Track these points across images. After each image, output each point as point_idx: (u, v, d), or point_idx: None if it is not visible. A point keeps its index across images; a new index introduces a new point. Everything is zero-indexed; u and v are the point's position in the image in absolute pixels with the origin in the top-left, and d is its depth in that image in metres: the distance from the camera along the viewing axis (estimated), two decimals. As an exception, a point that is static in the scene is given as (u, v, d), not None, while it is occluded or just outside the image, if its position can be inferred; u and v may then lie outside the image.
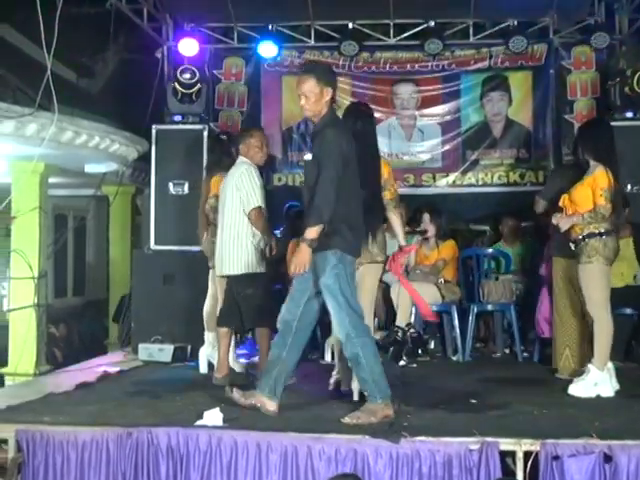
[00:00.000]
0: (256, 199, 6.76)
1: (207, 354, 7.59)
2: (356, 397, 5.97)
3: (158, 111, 9.66)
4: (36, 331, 9.48)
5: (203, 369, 7.58)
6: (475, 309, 8.39)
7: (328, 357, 8.02)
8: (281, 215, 9.43)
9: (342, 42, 10.27)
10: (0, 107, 8.45)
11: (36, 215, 9.61)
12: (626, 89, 9.03)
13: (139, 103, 10.03)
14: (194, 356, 7.93)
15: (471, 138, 10.68)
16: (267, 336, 6.69)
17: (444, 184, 10.70)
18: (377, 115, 9.22)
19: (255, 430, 5.04)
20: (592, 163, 6.43)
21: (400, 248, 6.38)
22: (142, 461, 5.03)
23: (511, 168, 10.58)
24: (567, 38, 10.28)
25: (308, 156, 5.55)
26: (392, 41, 10.45)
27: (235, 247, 6.78)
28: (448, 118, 10.73)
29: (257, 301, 6.74)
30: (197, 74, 9.38)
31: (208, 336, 7.62)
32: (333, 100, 5.54)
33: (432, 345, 8.79)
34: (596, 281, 6.32)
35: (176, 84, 9.35)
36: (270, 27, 10.36)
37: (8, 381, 9.36)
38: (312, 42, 10.50)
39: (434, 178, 10.72)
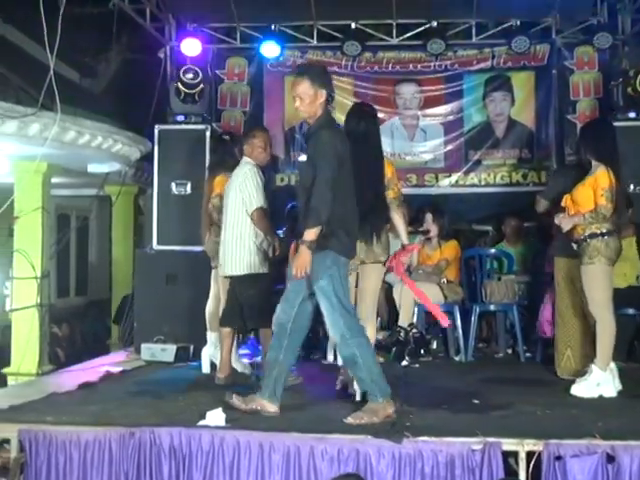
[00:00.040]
0: (258, 200, 6.77)
1: (210, 354, 7.59)
2: (359, 397, 5.96)
3: (161, 111, 9.67)
4: (39, 331, 9.49)
5: (205, 369, 7.58)
6: (477, 309, 8.39)
7: (330, 357, 8.02)
8: (283, 215, 9.43)
9: (345, 42, 10.27)
10: (3, 107, 8.46)
11: (39, 215, 9.62)
12: (629, 89, 9.02)
13: (142, 103, 10.03)
14: (197, 356, 7.93)
15: (474, 138, 10.68)
16: (270, 336, 6.68)
17: (447, 184, 10.70)
18: (380, 115, 9.20)
19: (257, 430, 5.05)
20: (594, 163, 6.42)
21: (403, 247, 6.38)
22: (145, 461, 5.03)
23: (514, 168, 10.58)
24: (570, 38, 10.27)
25: (303, 157, 5.58)
26: (395, 41, 10.45)
27: (238, 247, 6.79)
28: (451, 118, 10.73)
29: (259, 301, 6.74)
30: (200, 74, 9.38)
31: (210, 336, 7.62)
32: (328, 101, 5.56)
33: (434, 345, 8.79)
34: (598, 281, 6.32)
35: (179, 84, 9.35)
36: (273, 27, 10.36)
37: (11, 381, 9.36)
38: (315, 42, 10.50)
39: (437, 178, 10.72)
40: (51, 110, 8.35)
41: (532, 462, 4.75)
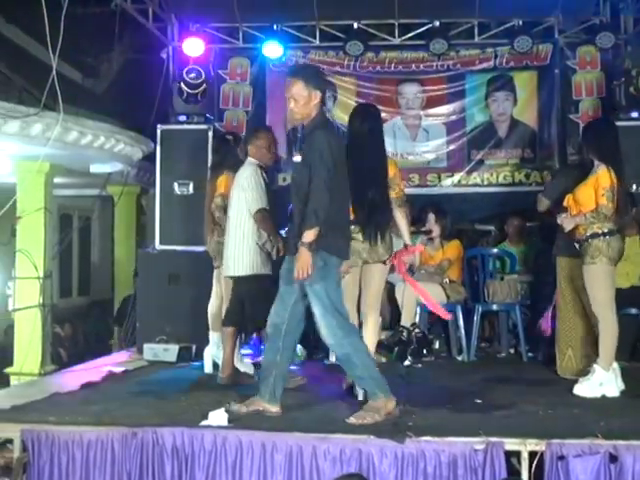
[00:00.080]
0: (261, 201, 6.77)
1: (212, 354, 7.59)
2: (361, 397, 5.97)
3: (163, 111, 9.67)
4: (41, 331, 9.50)
5: (208, 369, 7.58)
6: (480, 309, 8.38)
7: (333, 357, 8.00)
8: (286, 215, 9.43)
9: (347, 42, 10.26)
10: (5, 107, 8.47)
11: (41, 215, 9.63)
12: (631, 89, 9.01)
13: (144, 103, 10.04)
14: (199, 356, 7.93)
15: (476, 138, 10.68)
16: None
17: (449, 184, 10.70)
18: (382, 115, 9.22)
19: (260, 430, 5.05)
20: (596, 163, 6.42)
21: (405, 246, 6.38)
22: (147, 461, 5.04)
23: (516, 168, 10.58)
24: (572, 38, 10.27)
25: (297, 157, 5.58)
26: (397, 41, 10.45)
27: (241, 248, 6.79)
28: (453, 118, 10.73)
29: (262, 302, 6.73)
30: (203, 74, 9.38)
31: (213, 336, 7.62)
32: (323, 102, 5.56)
33: (437, 345, 8.79)
34: (600, 281, 6.32)
35: (182, 84, 9.35)
36: (275, 27, 10.36)
37: (13, 381, 9.38)
38: (317, 42, 10.50)
39: (439, 178, 10.72)
40: (53, 110, 8.36)
41: (535, 462, 4.75)
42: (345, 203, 5.58)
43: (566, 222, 6.47)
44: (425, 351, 8.13)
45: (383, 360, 7.66)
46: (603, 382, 6.24)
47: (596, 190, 6.30)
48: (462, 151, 10.70)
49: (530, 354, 8.32)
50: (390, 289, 8.25)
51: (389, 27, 10.43)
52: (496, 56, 10.49)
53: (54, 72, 7.11)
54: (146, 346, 8.42)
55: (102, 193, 11.67)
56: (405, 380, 6.97)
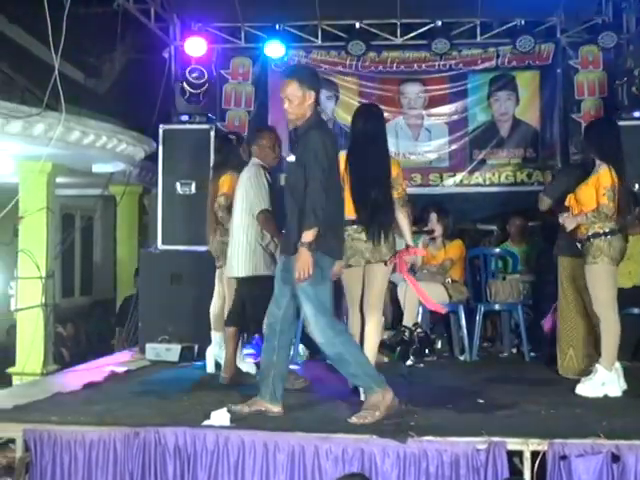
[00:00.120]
0: (264, 202, 6.76)
1: (214, 354, 7.59)
2: (363, 397, 5.96)
3: (165, 111, 9.67)
4: (43, 331, 9.51)
5: (210, 369, 7.58)
6: (482, 309, 8.38)
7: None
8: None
9: (349, 42, 10.27)
10: (8, 107, 8.47)
11: (43, 215, 9.64)
12: (633, 88, 9.00)
13: (146, 103, 10.04)
14: (201, 356, 7.93)
15: (478, 138, 10.67)
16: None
17: (451, 184, 10.70)
18: (384, 115, 9.23)
19: (262, 430, 5.05)
20: (597, 162, 6.42)
21: (406, 247, 6.38)
22: (149, 461, 5.04)
23: (518, 168, 10.57)
24: (574, 37, 10.27)
25: (291, 157, 5.58)
26: (399, 41, 10.45)
27: (244, 249, 6.78)
28: (455, 118, 10.72)
29: (264, 303, 6.72)
30: (205, 74, 9.39)
31: (215, 336, 7.63)
32: (317, 103, 5.57)
33: (439, 345, 8.78)
34: (602, 281, 6.31)
35: (184, 84, 9.35)
36: (277, 27, 10.36)
37: (16, 380, 9.38)
38: (319, 42, 10.50)
39: (441, 178, 10.71)
40: (56, 110, 8.38)
41: (537, 462, 4.75)
42: (339, 203, 5.60)
43: (568, 222, 6.47)
44: (427, 351, 8.13)
45: (385, 360, 7.66)
46: (605, 382, 6.23)
47: (597, 190, 6.30)
48: (464, 151, 10.70)
49: (532, 354, 8.32)
50: (392, 289, 8.25)
51: (391, 27, 10.44)
52: (498, 56, 10.48)
53: (56, 72, 7.11)
54: (148, 346, 8.42)
55: (104, 193, 11.68)
56: (407, 380, 6.97)
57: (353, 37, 10.30)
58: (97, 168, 10.70)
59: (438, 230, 8.78)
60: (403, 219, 6.34)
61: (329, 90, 10.74)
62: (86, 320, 13.63)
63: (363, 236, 6.12)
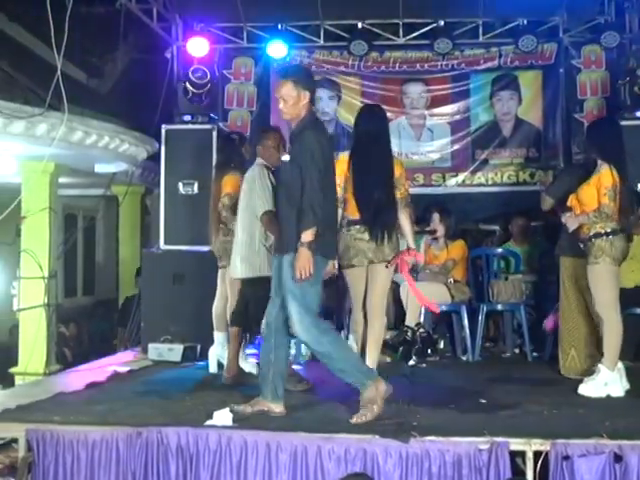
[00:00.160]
0: (267, 203, 6.75)
1: (217, 354, 7.59)
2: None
3: (168, 111, 9.68)
4: (46, 331, 9.52)
5: (213, 369, 7.58)
6: (485, 309, 8.38)
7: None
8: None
9: (351, 42, 10.27)
10: (10, 107, 8.48)
11: (46, 215, 9.65)
12: (636, 88, 9.01)
13: (149, 103, 10.05)
14: (204, 356, 7.94)
15: (481, 137, 10.67)
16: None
17: (453, 184, 10.69)
18: (387, 115, 9.25)
19: (265, 430, 5.05)
20: (599, 162, 6.41)
21: (408, 248, 6.36)
22: (152, 460, 5.04)
23: (521, 167, 10.57)
24: (577, 37, 10.26)
25: (286, 157, 5.59)
26: (401, 41, 10.44)
27: (248, 250, 6.77)
28: (457, 117, 10.72)
29: (268, 304, 6.74)
30: (208, 74, 9.40)
31: (218, 336, 7.62)
32: (312, 102, 5.59)
33: (442, 345, 8.77)
34: (604, 282, 6.31)
35: (187, 84, 9.36)
36: (279, 27, 10.35)
37: (18, 380, 9.39)
38: (321, 42, 10.50)
39: (444, 178, 10.71)
40: (58, 110, 8.38)
41: (539, 462, 4.74)
42: (333, 202, 5.60)
43: (570, 221, 6.47)
44: (430, 351, 8.08)
45: (388, 360, 7.65)
46: (608, 382, 6.23)
47: (598, 189, 6.30)
48: (466, 151, 10.69)
49: (535, 354, 8.32)
50: (395, 289, 8.25)
51: (393, 27, 10.43)
52: (501, 55, 10.48)
53: (59, 72, 7.13)
54: (151, 346, 8.43)
55: (107, 193, 11.68)
56: (409, 380, 6.94)
57: (355, 37, 10.30)
58: (99, 168, 10.71)
59: (440, 230, 8.78)
60: (405, 220, 6.34)
61: (331, 90, 10.75)
62: (89, 320, 13.64)
63: (366, 236, 6.12)
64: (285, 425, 5.19)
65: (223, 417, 5.24)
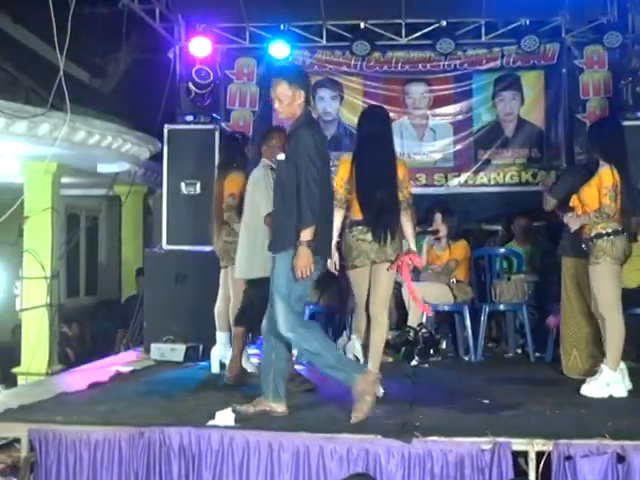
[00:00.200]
0: (271, 203, 6.74)
1: (219, 354, 7.59)
2: (380, 394, 5.97)
3: (170, 111, 9.68)
4: (49, 331, 9.53)
5: (215, 369, 7.58)
6: (487, 309, 8.38)
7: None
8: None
9: (354, 42, 10.27)
10: (13, 107, 8.49)
11: (48, 215, 9.66)
12: (638, 88, 9.00)
13: (151, 103, 10.05)
14: (206, 356, 7.94)
15: (483, 138, 10.67)
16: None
17: (456, 184, 10.69)
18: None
19: (267, 430, 5.05)
20: (600, 162, 6.41)
21: (408, 250, 6.35)
22: (154, 460, 5.04)
23: (523, 168, 10.57)
24: (579, 37, 10.25)
25: (281, 156, 5.61)
26: (404, 41, 10.44)
27: (254, 250, 6.77)
28: (460, 118, 10.72)
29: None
30: (211, 74, 9.41)
31: (220, 336, 7.63)
32: (307, 102, 5.61)
33: (444, 345, 8.78)
34: (606, 282, 6.30)
35: (190, 84, 9.37)
36: (282, 27, 10.35)
37: (21, 380, 9.40)
38: (324, 42, 10.50)
39: (446, 178, 10.71)
40: (61, 110, 8.39)
41: (542, 462, 4.74)
42: (327, 201, 5.61)
43: (572, 222, 6.47)
44: (432, 351, 8.13)
45: (390, 360, 7.66)
46: (610, 382, 6.22)
47: (599, 190, 6.30)
48: (469, 151, 10.69)
49: (537, 354, 8.31)
50: (397, 289, 8.25)
51: (396, 27, 10.43)
52: (503, 55, 10.48)
53: (61, 72, 7.14)
54: (153, 346, 8.43)
55: (109, 193, 11.71)
56: (412, 380, 6.97)
57: (358, 37, 10.30)
58: (102, 168, 10.72)
59: (443, 230, 8.78)
60: (407, 222, 6.34)
61: (334, 90, 10.77)
62: (91, 320, 13.62)
63: (369, 237, 6.13)
64: (287, 425, 5.19)
65: (225, 417, 5.24)
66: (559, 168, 10.23)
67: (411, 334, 7.97)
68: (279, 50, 10.32)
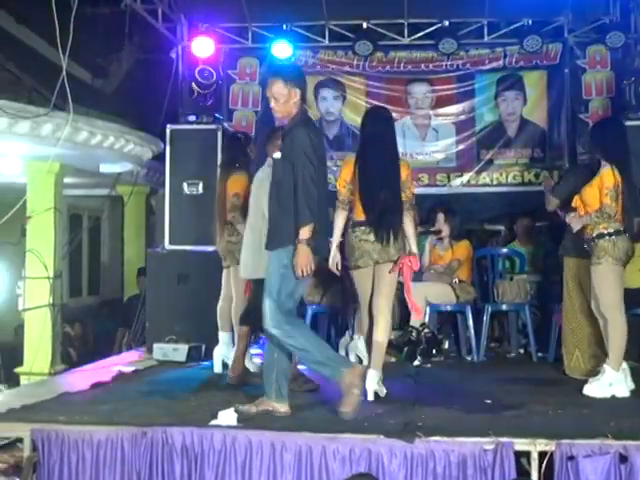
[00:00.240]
0: None
1: (221, 354, 7.59)
2: (371, 397, 5.97)
3: (172, 111, 9.68)
4: (51, 330, 9.53)
5: (217, 369, 7.58)
6: (489, 309, 8.37)
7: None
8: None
9: (356, 42, 10.27)
10: (15, 107, 8.49)
11: (51, 215, 9.66)
12: (641, 88, 9.01)
13: (153, 103, 10.06)
14: (208, 356, 7.94)
15: (485, 138, 10.67)
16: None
17: (458, 184, 10.69)
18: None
19: (269, 430, 5.05)
20: (602, 162, 6.41)
21: (409, 252, 6.33)
22: (157, 460, 5.04)
23: (526, 168, 10.56)
24: (582, 37, 10.24)
25: (277, 154, 5.62)
26: (406, 41, 10.43)
27: (257, 250, 6.76)
28: (462, 118, 10.72)
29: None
30: (214, 74, 9.42)
31: (222, 336, 7.63)
32: (303, 100, 5.64)
33: (446, 345, 8.77)
34: (608, 282, 6.30)
35: (193, 84, 9.38)
36: (284, 27, 10.35)
37: (23, 380, 9.40)
38: (326, 42, 10.50)
39: (448, 178, 10.71)
40: (63, 110, 8.39)
41: (544, 462, 4.74)
42: (323, 200, 5.61)
43: (574, 222, 6.47)
44: (434, 351, 8.13)
45: (393, 360, 7.66)
46: (613, 382, 6.22)
47: (600, 190, 6.30)
48: (471, 151, 10.69)
49: (539, 354, 8.31)
50: (400, 289, 8.25)
51: (398, 27, 10.42)
52: (505, 55, 10.47)
53: (64, 72, 7.14)
54: (156, 346, 8.44)
55: (112, 193, 11.70)
56: (414, 380, 6.97)
57: (360, 37, 10.30)
58: (105, 168, 10.71)
59: (445, 230, 8.78)
60: (409, 223, 6.34)
61: (336, 90, 10.77)
62: (94, 320, 13.63)
63: (371, 237, 6.13)
64: (290, 425, 5.19)
65: (228, 417, 5.25)
66: (561, 168, 10.24)
67: (414, 334, 7.96)
68: (282, 50, 10.32)
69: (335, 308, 8.36)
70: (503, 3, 9.72)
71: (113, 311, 13.78)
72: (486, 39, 10.34)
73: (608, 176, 6.28)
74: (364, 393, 5.95)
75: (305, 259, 5.31)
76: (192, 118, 9.51)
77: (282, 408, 5.55)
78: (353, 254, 6.23)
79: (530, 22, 10.11)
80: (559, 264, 7.32)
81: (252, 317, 6.89)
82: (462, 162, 10.71)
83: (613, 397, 6.17)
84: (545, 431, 4.98)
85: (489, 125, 10.68)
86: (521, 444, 4.80)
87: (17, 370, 9.68)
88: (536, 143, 10.57)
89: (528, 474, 4.78)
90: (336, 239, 6.31)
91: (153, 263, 9.27)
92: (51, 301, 9.50)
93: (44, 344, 9.47)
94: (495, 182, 10.61)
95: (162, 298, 8.88)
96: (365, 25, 10.36)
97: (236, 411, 5.35)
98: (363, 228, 6.15)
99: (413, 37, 10.41)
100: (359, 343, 7.49)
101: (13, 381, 9.45)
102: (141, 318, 9.51)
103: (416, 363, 7.86)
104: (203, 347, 8.35)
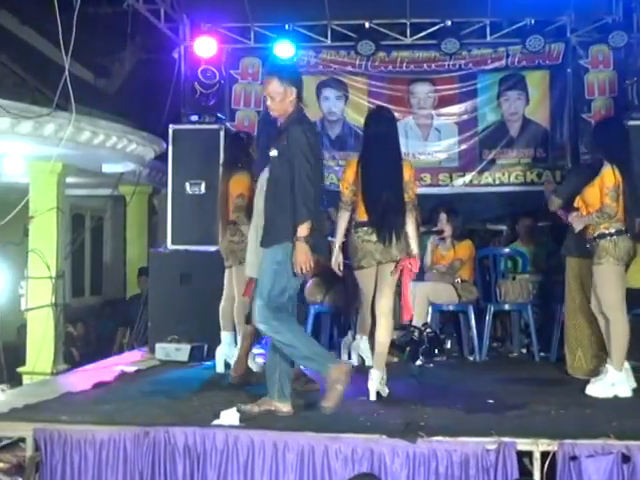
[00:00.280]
0: None
1: (224, 354, 7.59)
2: (373, 397, 5.97)
3: (175, 111, 9.69)
4: (54, 330, 9.54)
5: (220, 369, 7.59)
6: (492, 309, 8.38)
7: (344, 357, 8.01)
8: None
9: (359, 42, 10.25)
10: (18, 107, 8.50)
11: (54, 215, 9.67)
12: (643, 88, 9.00)
13: (156, 103, 10.07)
14: (211, 356, 7.94)
15: (488, 137, 10.65)
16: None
17: (461, 184, 10.68)
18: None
19: (272, 430, 5.05)
20: (604, 162, 6.40)
21: (409, 254, 6.32)
22: (159, 460, 5.04)
23: (528, 167, 10.55)
24: (584, 37, 10.22)
25: (274, 152, 5.62)
26: (409, 40, 10.42)
27: (261, 249, 6.75)
28: (465, 117, 10.71)
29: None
30: (217, 74, 9.42)
31: (225, 336, 7.63)
32: (299, 99, 5.65)
33: (449, 345, 8.78)
34: (609, 282, 6.30)
35: (196, 84, 9.38)
36: (287, 27, 10.34)
37: (26, 380, 9.41)
38: (329, 42, 10.48)
39: (451, 178, 10.70)
40: (66, 110, 8.40)
41: (547, 462, 4.74)
42: (318, 198, 5.62)
43: (576, 222, 6.47)
44: (437, 351, 8.11)
45: (395, 360, 7.65)
46: (615, 382, 6.22)
47: (601, 190, 6.30)
48: (474, 150, 10.68)
49: (542, 354, 8.31)
50: (398, 284, 8.24)
51: (400, 27, 10.41)
52: (508, 55, 10.46)
53: (67, 72, 7.14)
54: (158, 346, 8.44)
55: (114, 193, 11.70)
56: (417, 380, 6.97)
57: (362, 37, 10.28)
58: (107, 168, 10.71)
59: (447, 230, 8.78)
60: (410, 224, 6.34)
61: (338, 90, 10.77)
62: (96, 320, 13.64)
63: (374, 237, 6.13)
64: (292, 425, 5.19)
65: (230, 417, 5.25)
66: (564, 168, 10.23)
67: (416, 334, 7.95)
68: (284, 50, 10.31)
69: (337, 308, 8.36)
70: (505, 3, 9.72)
71: (115, 311, 13.79)
72: (488, 39, 10.32)
73: (609, 176, 6.27)
74: (366, 393, 5.98)
75: (304, 256, 5.33)
76: (194, 118, 9.51)
77: (284, 408, 5.56)
78: (356, 254, 6.23)
79: (532, 22, 10.10)
80: (561, 264, 7.32)
81: None
82: (464, 162, 10.70)
83: (616, 397, 6.17)
84: (548, 431, 4.98)
85: (491, 125, 10.67)
86: (524, 444, 4.80)
87: (20, 370, 9.69)
88: (538, 143, 10.56)
89: (530, 474, 4.78)
90: (339, 239, 6.33)
91: (155, 263, 9.28)
92: (53, 301, 9.51)
93: (46, 344, 9.47)
94: (497, 182, 10.60)
95: (164, 298, 8.89)
96: (367, 25, 10.34)
97: (238, 411, 5.35)
98: (366, 228, 6.15)
99: (415, 37, 10.40)
100: (361, 343, 7.50)
101: (16, 381, 9.44)
102: (142, 318, 9.52)
103: (418, 363, 7.85)
104: (205, 347, 8.35)
